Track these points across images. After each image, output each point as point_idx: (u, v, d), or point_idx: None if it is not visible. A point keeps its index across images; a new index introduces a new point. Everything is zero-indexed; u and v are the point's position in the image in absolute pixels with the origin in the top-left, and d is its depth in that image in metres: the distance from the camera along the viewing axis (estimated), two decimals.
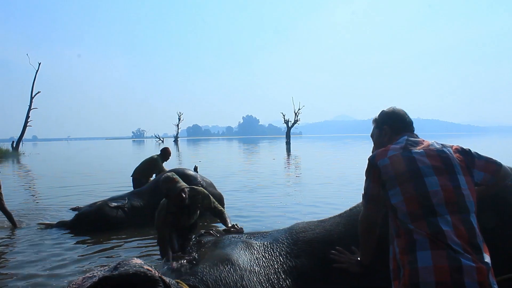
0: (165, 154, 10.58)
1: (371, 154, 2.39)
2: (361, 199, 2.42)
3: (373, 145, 2.64)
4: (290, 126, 65.73)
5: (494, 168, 2.29)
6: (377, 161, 2.27)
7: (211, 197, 5.15)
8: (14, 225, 7.98)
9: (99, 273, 2.52)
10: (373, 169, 2.29)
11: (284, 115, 65.48)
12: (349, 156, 31.09)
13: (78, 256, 6.10)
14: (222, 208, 5.21)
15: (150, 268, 2.39)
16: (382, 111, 2.60)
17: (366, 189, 2.35)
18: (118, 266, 2.45)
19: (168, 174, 4.96)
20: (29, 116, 43.50)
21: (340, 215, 3.06)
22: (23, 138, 45.79)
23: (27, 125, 43.66)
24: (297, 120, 65.89)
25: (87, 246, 6.70)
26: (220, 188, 9.02)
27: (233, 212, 8.55)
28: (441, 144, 2.32)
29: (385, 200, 2.22)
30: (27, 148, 53.76)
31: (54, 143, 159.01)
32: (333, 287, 2.56)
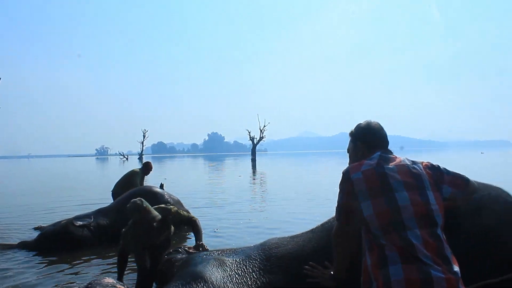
0: (146, 168, 10.53)
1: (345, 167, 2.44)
2: (331, 213, 2.45)
3: (348, 159, 2.69)
4: (255, 143, 66.00)
5: (462, 183, 2.38)
6: (351, 174, 2.32)
7: (181, 211, 5.07)
8: None
9: None
10: (347, 182, 2.33)
11: (249, 132, 65.85)
12: (314, 172, 31.47)
13: (43, 275, 5.93)
14: (195, 218, 5.15)
15: (122, 287, 2.36)
16: (358, 125, 2.65)
17: (339, 201, 2.40)
18: (89, 286, 2.41)
19: (137, 202, 4.70)
20: None
21: (312, 231, 3.08)
22: None
23: None
24: (262, 137, 66.26)
25: (52, 266, 6.50)
26: (187, 205, 8.97)
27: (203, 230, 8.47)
28: (412, 161, 2.40)
29: (358, 213, 2.26)
30: None
31: (14, 161, 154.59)
32: None
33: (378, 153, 2.44)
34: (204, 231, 7.38)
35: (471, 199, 2.48)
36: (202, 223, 5.31)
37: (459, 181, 2.38)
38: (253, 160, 60.37)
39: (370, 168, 2.31)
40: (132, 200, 4.70)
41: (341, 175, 2.39)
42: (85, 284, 2.45)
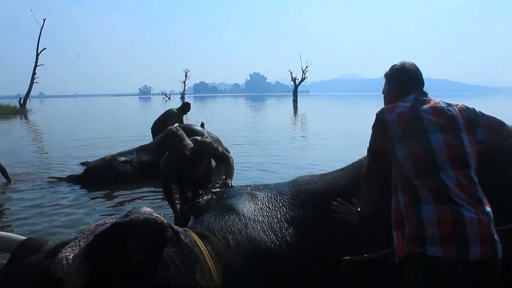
0: (184, 108, 10.61)
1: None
2: (366, 153, 2.49)
3: (383, 100, 2.68)
4: (297, 84, 65.31)
5: (497, 127, 2.36)
6: (385, 116, 2.33)
7: (218, 147, 5.11)
8: (8, 180, 8.08)
9: (110, 220, 2.65)
10: (380, 124, 2.34)
11: (291, 73, 65.04)
12: (355, 114, 31.06)
13: (89, 209, 6.29)
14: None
15: (159, 216, 2.50)
16: (393, 66, 2.61)
17: (371, 143, 2.42)
18: (129, 214, 2.57)
19: (173, 129, 4.89)
20: (35, 73, 43.32)
21: (342, 169, 3.14)
22: (30, 95, 45.74)
23: (34, 82, 43.50)
24: (304, 78, 65.33)
25: (97, 199, 6.89)
26: (226, 143, 9.14)
27: (239, 166, 8.69)
28: (447, 103, 2.38)
29: (391, 155, 2.29)
30: (34, 105, 53.90)
31: (61, 99, 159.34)
32: (334, 236, 2.67)
33: (413, 95, 2.42)
34: (242, 168, 7.54)
35: (506, 142, 2.47)
36: (241, 160, 5.35)
37: (494, 124, 2.36)
38: (295, 101, 59.97)
39: (404, 110, 2.31)
40: (168, 128, 4.85)
41: (375, 116, 2.40)
42: (125, 213, 2.61)
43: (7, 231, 4.07)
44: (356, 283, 2.54)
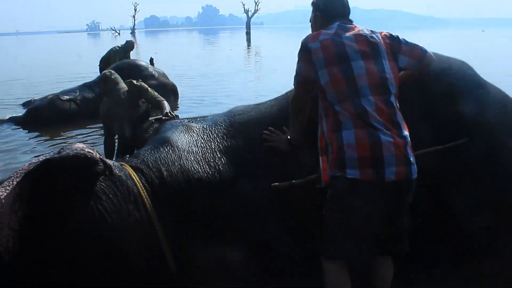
0: (126, 47, 10.28)
1: None
2: (294, 80, 2.52)
3: (310, 29, 2.69)
4: (250, 16, 64.11)
5: (419, 53, 2.42)
6: (309, 44, 2.35)
7: (149, 89, 5.10)
8: None
9: (42, 158, 2.64)
10: (305, 52, 2.36)
11: (244, 5, 63.62)
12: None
13: (30, 151, 6.20)
14: (161, 98, 5.10)
15: (91, 151, 2.52)
16: None
17: (297, 71, 2.43)
18: (61, 150, 2.57)
19: (106, 73, 4.89)
20: None
21: (275, 98, 3.18)
22: None
23: None
24: (257, 10, 64.20)
25: (39, 141, 6.78)
26: (176, 77, 9.05)
27: (188, 100, 8.68)
28: (371, 31, 2.42)
29: (315, 82, 2.34)
30: None
31: (2, 38, 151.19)
32: (265, 165, 2.76)
33: (337, 22, 2.45)
34: (190, 103, 7.47)
35: (427, 69, 2.54)
36: (189, 92, 5.27)
37: (417, 51, 2.42)
38: (248, 34, 58.97)
39: (327, 37, 2.34)
40: (102, 72, 4.80)
41: (300, 44, 2.43)
42: (58, 150, 2.60)
43: None
44: (284, 208, 2.65)
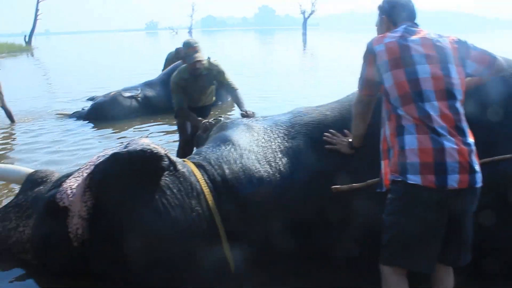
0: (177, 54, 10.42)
1: None
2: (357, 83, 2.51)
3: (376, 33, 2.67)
4: (306, 17, 63.86)
5: (488, 60, 2.35)
6: (374, 46, 2.34)
7: (226, 73, 5.02)
8: (12, 121, 8.07)
9: (110, 151, 2.76)
10: (370, 54, 2.36)
11: (300, 6, 63.46)
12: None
13: (94, 144, 6.46)
14: (237, 87, 5.03)
15: (156, 146, 2.61)
16: None
17: (362, 73, 2.43)
18: (128, 145, 2.68)
19: (190, 40, 4.88)
20: (38, 9, 42.37)
21: (337, 101, 3.18)
22: (35, 32, 45.04)
23: (37, 18, 42.75)
24: (313, 11, 63.85)
25: (102, 135, 7.05)
26: (234, 74, 9.12)
27: (250, 97, 8.73)
28: (438, 35, 2.37)
29: (379, 85, 2.33)
30: (40, 42, 53.40)
31: (67, 36, 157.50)
32: (326, 167, 2.77)
33: (403, 26, 2.42)
34: (248, 99, 7.50)
35: (497, 76, 2.47)
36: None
37: (486, 57, 2.35)
38: (304, 35, 58.87)
39: (393, 40, 2.31)
40: (187, 39, 4.84)
41: (365, 47, 2.42)
42: (125, 144, 2.72)
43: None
44: (344, 211, 2.65)
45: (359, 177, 2.58)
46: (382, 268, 2.24)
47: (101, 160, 2.64)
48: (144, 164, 2.48)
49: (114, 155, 2.47)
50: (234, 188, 2.66)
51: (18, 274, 2.99)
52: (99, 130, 7.24)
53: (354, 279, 2.69)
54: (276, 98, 9.51)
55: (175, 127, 5.75)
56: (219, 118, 5.32)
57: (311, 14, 64.20)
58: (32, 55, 33.57)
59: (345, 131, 2.80)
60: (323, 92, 10.10)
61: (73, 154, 5.88)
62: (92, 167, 2.63)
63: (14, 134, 7.34)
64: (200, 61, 4.77)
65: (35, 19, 42.54)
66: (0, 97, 7.79)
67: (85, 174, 2.65)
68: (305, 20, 63.99)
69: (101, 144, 6.32)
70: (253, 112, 4.35)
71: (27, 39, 41.94)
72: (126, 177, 2.48)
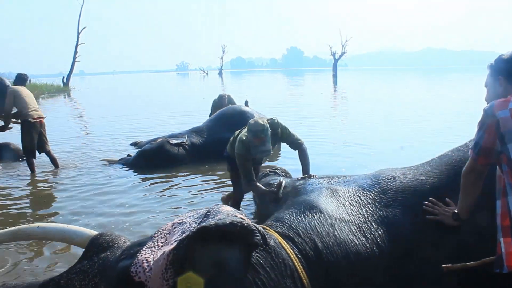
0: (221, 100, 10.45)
1: (486, 104, 2.22)
2: (470, 150, 2.27)
3: (486, 93, 2.44)
4: (337, 58, 64.15)
5: None
6: (496, 112, 2.11)
7: (289, 129, 4.88)
8: (56, 166, 7.99)
9: (188, 219, 2.53)
10: (490, 121, 2.13)
11: (331, 48, 63.85)
12: (405, 91, 29.57)
13: (144, 194, 6.30)
14: (302, 141, 4.88)
15: (243, 217, 2.37)
16: (500, 57, 2.36)
17: (478, 140, 2.20)
18: (209, 214, 2.44)
19: (261, 122, 4.47)
20: (77, 52, 43.65)
21: (429, 164, 2.92)
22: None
23: (76, 60, 44.00)
24: (344, 52, 64.13)
25: (152, 183, 6.90)
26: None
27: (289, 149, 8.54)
28: None
29: (500, 154, 2.08)
30: (76, 83, 54.60)
31: (101, 76, 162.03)
32: (426, 239, 2.49)
33: None
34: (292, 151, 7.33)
35: None
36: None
37: None
38: (334, 76, 58.94)
39: None
40: (255, 120, 4.53)
41: (483, 112, 2.18)
42: (204, 211, 2.49)
43: (74, 223, 4.05)
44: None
45: (469, 254, 2.29)
46: None
47: (179, 230, 2.42)
48: (235, 239, 2.24)
49: (202, 229, 2.23)
50: (329, 265, 2.38)
51: None
52: (146, 180, 7.10)
53: None
54: (320, 144, 9.29)
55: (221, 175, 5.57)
56: (275, 170, 5.14)
57: (341, 55, 64.47)
58: (69, 96, 34.36)
59: (447, 199, 2.53)
60: (369, 138, 9.86)
61: (132, 211, 5.59)
62: (169, 237, 2.41)
63: (62, 184, 7.18)
64: (267, 154, 4.58)
65: (73, 61, 43.80)
66: (44, 141, 7.76)
67: (161, 245, 2.42)
68: (336, 61, 64.20)
69: (152, 197, 6.13)
70: (313, 175, 4.11)
71: (65, 80, 43.11)
72: (213, 253, 2.24)
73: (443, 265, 2.28)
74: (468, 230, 2.42)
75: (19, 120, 7.57)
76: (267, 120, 4.76)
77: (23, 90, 7.57)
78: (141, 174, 7.40)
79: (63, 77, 44.37)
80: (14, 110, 7.46)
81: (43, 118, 7.71)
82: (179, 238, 2.36)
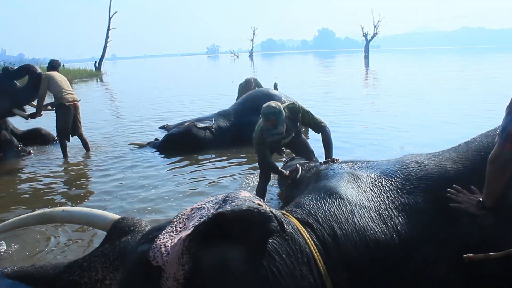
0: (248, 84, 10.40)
1: None
2: (497, 136, 2.18)
3: None
4: (369, 39, 62.94)
5: None
6: None
7: (310, 112, 4.81)
8: (87, 150, 8.17)
9: (206, 204, 2.52)
10: None
11: (362, 28, 62.64)
12: (439, 73, 28.81)
13: (169, 177, 6.37)
14: (325, 123, 4.80)
15: (261, 203, 2.34)
16: None
17: (505, 125, 2.12)
18: (227, 199, 2.42)
19: (274, 105, 4.43)
20: (108, 37, 44.08)
21: (455, 150, 2.82)
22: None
23: (107, 45, 44.52)
24: (376, 33, 62.83)
25: (178, 166, 6.97)
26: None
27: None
28: None
29: None
30: (108, 67, 55.32)
31: (133, 60, 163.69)
32: (450, 228, 2.41)
33: None
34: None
35: None
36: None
37: None
38: (366, 58, 57.87)
39: None
40: (268, 104, 4.48)
41: None
42: (222, 196, 2.47)
43: (99, 207, 4.10)
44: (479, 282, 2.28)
45: (493, 244, 2.21)
46: None
47: (197, 215, 2.41)
48: (251, 226, 2.21)
49: (218, 215, 2.21)
50: (347, 252, 2.34)
51: None
52: (174, 163, 7.17)
53: None
54: (351, 128, 9.17)
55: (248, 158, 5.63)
56: (293, 156, 5.10)
57: (373, 36, 63.21)
58: (102, 80, 34.86)
59: (472, 187, 2.44)
60: (400, 121, 9.66)
61: (156, 195, 5.61)
62: (188, 222, 2.40)
63: (92, 168, 7.32)
64: (279, 138, 4.53)
65: (105, 46, 44.35)
66: (78, 124, 7.91)
67: (179, 230, 2.42)
68: (368, 42, 63.01)
69: (182, 182, 6.14)
70: (336, 159, 4.08)
71: (97, 65, 43.73)
72: (230, 240, 2.22)
73: (464, 255, 2.21)
74: (492, 219, 2.33)
75: (49, 107, 7.78)
76: (289, 105, 4.72)
77: (57, 75, 7.74)
78: (167, 158, 7.47)
79: (95, 61, 45.05)
80: (48, 97, 7.65)
81: (78, 101, 7.86)
82: (196, 224, 2.35)
